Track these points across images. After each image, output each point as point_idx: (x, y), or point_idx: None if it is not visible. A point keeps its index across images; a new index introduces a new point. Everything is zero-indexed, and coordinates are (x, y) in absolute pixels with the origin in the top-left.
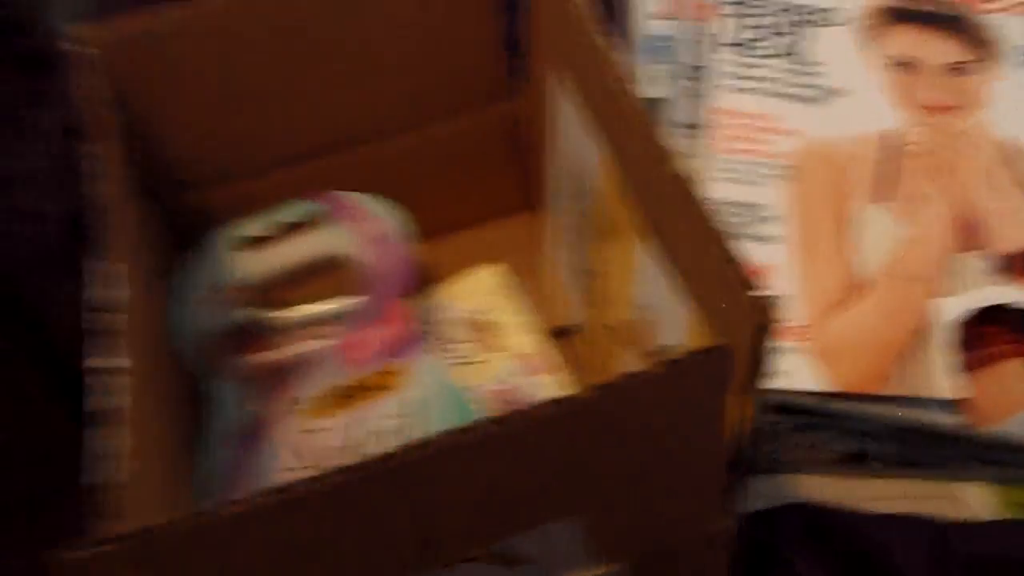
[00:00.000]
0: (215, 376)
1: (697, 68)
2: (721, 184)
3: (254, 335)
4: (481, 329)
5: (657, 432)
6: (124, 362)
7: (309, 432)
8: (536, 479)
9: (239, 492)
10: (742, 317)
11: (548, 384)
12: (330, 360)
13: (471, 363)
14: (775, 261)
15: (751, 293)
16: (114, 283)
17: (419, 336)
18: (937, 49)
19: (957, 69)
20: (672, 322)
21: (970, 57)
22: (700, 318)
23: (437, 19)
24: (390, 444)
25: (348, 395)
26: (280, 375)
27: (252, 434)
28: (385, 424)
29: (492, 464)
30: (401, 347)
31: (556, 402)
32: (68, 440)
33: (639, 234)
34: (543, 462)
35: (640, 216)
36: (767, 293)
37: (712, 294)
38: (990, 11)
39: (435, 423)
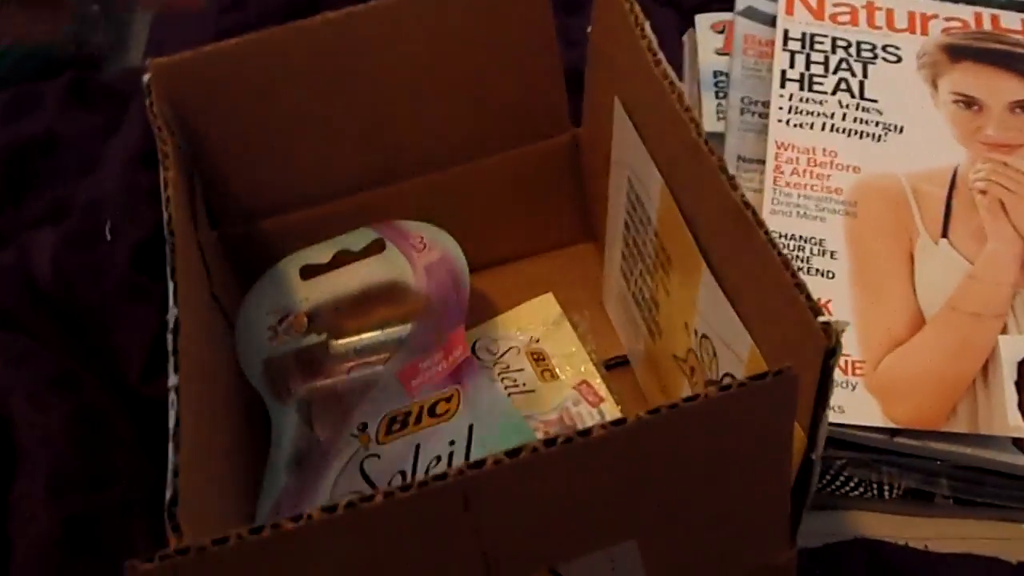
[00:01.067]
0: (280, 401)
1: (759, 103)
2: (780, 217)
3: (317, 361)
4: (539, 358)
5: (717, 458)
6: (173, 380)
7: (371, 456)
8: (593, 502)
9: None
10: (810, 342)
11: (606, 413)
12: (391, 385)
13: (529, 391)
14: (834, 295)
15: (821, 318)
16: (171, 304)
17: (477, 364)
18: (1000, 87)
19: (1020, 107)
20: (734, 350)
21: None
22: (762, 345)
23: (498, 51)
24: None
25: (409, 420)
26: (342, 400)
27: (316, 458)
28: (446, 448)
29: (546, 485)
30: (460, 374)
31: (604, 426)
32: (135, 459)
33: (702, 262)
34: (598, 485)
35: (701, 244)
36: (834, 319)
37: (776, 321)
38: None
39: (496, 446)
